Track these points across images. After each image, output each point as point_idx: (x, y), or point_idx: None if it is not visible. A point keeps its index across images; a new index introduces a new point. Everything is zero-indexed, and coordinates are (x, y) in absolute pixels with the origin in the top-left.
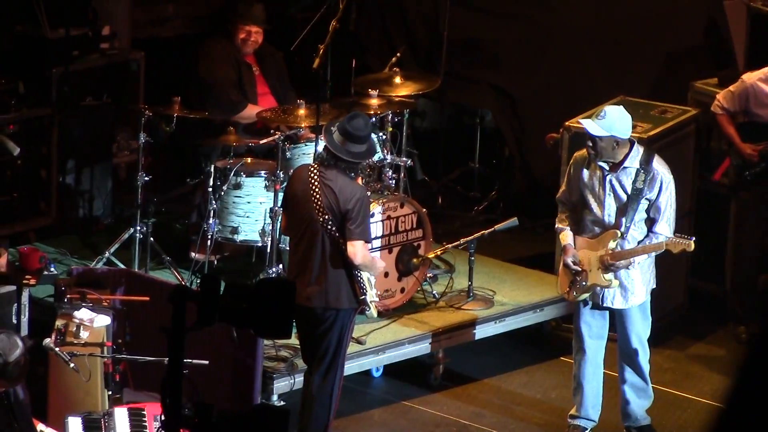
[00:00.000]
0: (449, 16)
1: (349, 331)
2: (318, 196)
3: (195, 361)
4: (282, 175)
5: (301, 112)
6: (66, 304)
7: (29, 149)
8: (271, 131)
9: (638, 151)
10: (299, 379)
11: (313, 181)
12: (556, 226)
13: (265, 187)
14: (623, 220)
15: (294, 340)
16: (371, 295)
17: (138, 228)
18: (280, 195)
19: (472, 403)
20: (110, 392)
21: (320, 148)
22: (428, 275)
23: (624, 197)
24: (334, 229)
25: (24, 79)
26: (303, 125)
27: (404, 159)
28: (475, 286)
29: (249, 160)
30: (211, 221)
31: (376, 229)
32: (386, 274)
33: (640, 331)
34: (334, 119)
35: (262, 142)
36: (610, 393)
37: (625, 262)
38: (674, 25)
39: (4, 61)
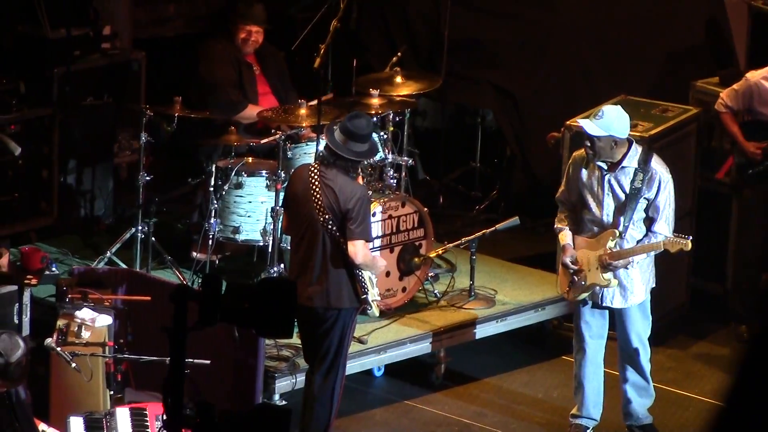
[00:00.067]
0: (450, 15)
1: (350, 330)
2: (318, 195)
3: (197, 360)
4: (283, 175)
5: (302, 111)
6: (67, 304)
7: (30, 149)
8: (272, 131)
9: (636, 150)
10: (301, 379)
11: (313, 180)
12: (555, 225)
13: (267, 186)
14: (622, 219)
15: (296, 340)
16: (373, 294)
17: (139, 228)
18: (281, 194)
19: (474, 403)
20: (112, 392)
21: (321, 147)
22: (429, 274)
23: (622, 197)
24: (334, 228)
25: (25, 79)
26: (304, 125)
27: (405, 158)
28: (476, 286)
29: (250, 159)
30: (212, 221)
31: (378, 228)
32: (388, 274)
33: (640, 330)
34: (335, 119)
35: (263, 141)
36: (612, 392)
37: (623, 261)
38: (675, 25)
39: (5, 61)
